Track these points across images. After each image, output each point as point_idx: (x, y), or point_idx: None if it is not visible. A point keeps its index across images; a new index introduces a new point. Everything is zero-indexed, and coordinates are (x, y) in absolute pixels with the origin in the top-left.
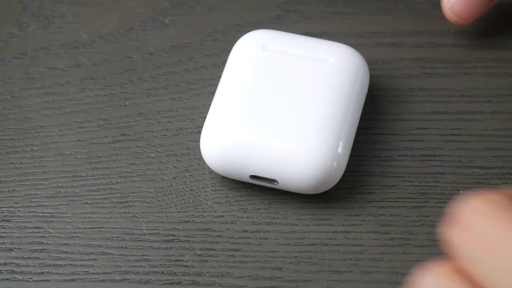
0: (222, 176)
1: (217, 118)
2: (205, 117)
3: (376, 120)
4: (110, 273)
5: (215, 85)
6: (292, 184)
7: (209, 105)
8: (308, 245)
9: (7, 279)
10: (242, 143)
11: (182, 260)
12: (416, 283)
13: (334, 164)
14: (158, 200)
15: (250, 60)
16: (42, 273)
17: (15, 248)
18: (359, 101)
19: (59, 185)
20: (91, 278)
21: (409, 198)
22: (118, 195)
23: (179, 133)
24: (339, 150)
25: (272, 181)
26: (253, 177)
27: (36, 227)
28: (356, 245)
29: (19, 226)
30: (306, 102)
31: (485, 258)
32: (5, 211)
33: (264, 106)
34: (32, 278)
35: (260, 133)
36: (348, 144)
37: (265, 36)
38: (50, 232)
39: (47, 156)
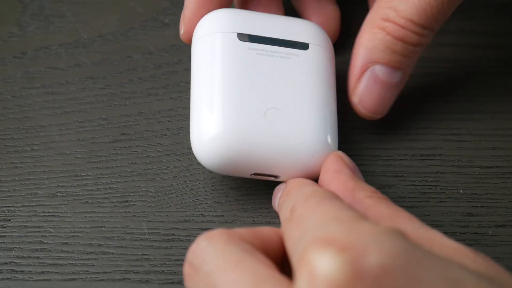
0: (222, 176)
1: (207, 120)
2: None
3: (376, 120)
4: (110, 272)
5: None
6: (294, 175)
7: None
8: None
9: (8, 278)
10: (241, 145)
11: (182, 260)
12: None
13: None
14: (158, 199)
15: (226, 52)
16: (42, 272)
17: (16, 247)
18: (334, 78)
19: (60, 184)
20: (92, 277)
21: (409, 197)
22: (118, 195)
23: (179, 133)
24: (329, 138)
25: (274, 176)
26: (255, 174)
27: (36, 227)
28: None
29: (19, 226)
30: (291, 92)
31: (296, 230)
32: (6, 211)
33: (251, 101)
34: (32, 278)
35: (255, 131)
36: (335, 127)
37: (234, 18)
38: (51, 232)
39: (48, 155)
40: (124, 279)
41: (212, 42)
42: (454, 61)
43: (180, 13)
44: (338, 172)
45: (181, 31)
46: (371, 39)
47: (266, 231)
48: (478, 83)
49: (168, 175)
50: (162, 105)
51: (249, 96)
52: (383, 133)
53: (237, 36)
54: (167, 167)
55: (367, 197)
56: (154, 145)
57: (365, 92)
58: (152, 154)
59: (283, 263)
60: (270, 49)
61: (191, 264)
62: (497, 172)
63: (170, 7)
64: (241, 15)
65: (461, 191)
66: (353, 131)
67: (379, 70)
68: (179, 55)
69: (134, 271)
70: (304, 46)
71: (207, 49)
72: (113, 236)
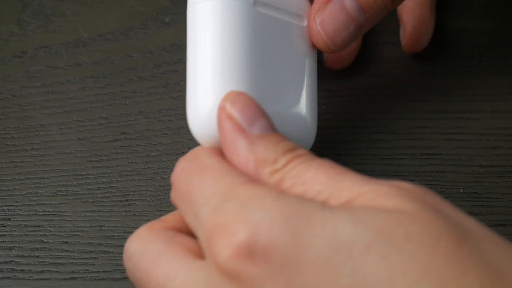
0: None
1: (207, 87)
2: None
3: (376, 119)
4: (110, 271)
5: None
6: None
7: None
8: None
9: (8, 277)
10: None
11: None
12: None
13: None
14: (158, 198)
15: (241, 17)
16: (42, 271)
17: (16, 246)
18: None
19: (60, 183)
20: (92, 276)
21: None
22: (118, 194)
23: (179, 132)
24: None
25: None
26: None
27: (36, 226)
28: None
29: (19, 225)
30: (286, 65)
31: (186, 208)
32: (6, 210)
33: (256, 71)
34: (32, 277)
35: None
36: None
37: None
38: (51, 231)
39: (48, 154)
40: (124, 278)
41: (224, 9)
42: (454, 61)
43: (180, 12)
44: (231, 144)
45: None
46: None
47: None
48: (478, 82)
49: (168, 174)
50: (162, 104)
51: (253, 68)
52: (383, 132)
53: (253, 3)
54: (167, 166)
55: (270, 175)
56: (154, 144)
57: (329, 16)
58: (153, 153)
59: None
60: (275, 20)
61: (128, 270)
62: (497, 171)
63: (170, 6)
64: None
65: (461, 190)
66: (353, 130)
67: (348, 2)
68: (179, 54)
69: None
70: (301, 19)
71: (218, 16)
72: (113, 235)
